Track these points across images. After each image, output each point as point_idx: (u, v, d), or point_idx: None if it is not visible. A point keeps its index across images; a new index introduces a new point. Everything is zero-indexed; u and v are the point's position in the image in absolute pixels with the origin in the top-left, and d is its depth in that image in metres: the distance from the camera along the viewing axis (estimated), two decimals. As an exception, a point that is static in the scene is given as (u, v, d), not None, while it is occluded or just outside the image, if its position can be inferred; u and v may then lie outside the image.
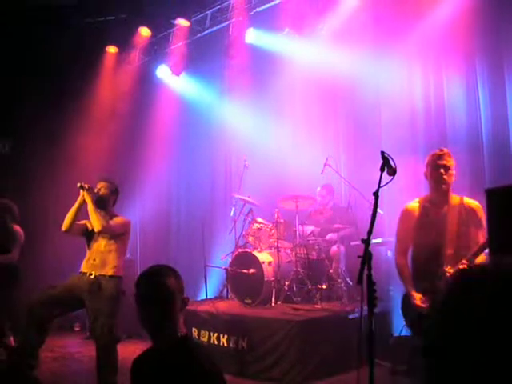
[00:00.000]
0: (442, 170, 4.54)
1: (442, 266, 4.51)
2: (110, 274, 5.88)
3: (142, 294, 2.72)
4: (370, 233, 3.51)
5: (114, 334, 5.76)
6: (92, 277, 5.85)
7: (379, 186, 3.55)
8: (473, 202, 4.69)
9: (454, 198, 4.70)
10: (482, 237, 4.46)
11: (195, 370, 2.55)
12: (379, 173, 3.64)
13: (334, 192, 8.60)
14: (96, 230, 5.87)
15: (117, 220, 6.05)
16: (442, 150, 4.67)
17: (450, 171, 4.58)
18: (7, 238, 7.59)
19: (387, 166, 3.60)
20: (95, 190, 6.04)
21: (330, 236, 8.09)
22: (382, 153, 3.59)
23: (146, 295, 2.71)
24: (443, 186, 4.60)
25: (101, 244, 5.97)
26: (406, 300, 4.66)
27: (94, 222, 5.88)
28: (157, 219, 11.30)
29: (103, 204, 6.04)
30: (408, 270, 4.71)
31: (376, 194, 3.54)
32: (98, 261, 5.91)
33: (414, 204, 4.79)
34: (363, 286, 3.37)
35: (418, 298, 4.53)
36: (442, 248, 4.56)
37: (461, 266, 4.32)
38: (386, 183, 3.57)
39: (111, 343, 5.74)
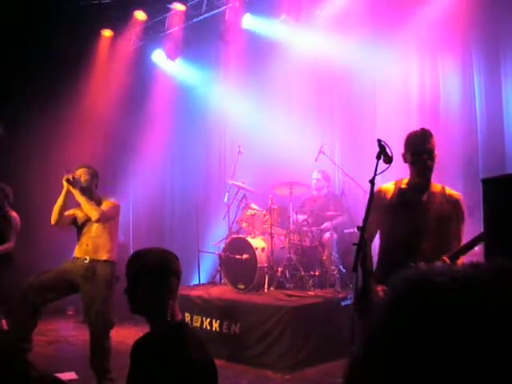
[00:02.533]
0: (425, 156, 3.95)
1: (415, 260, 3.87)
2: (104, 258, 5.87)
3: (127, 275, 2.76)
4: (365, 220, 3.51)
5: (109, 319, 5.77)
6: (86, 262, 5.84)
7: (375, 174, 3.55)
8: (455, 193, 4.17)
9: (436, 186, 4.13)
10: (462, 232, 4.03)
11: (184, 358, 2.55)
12: (374, 161, 3.61)
13: (329, 179, 8.62)
14: (94, 218, 5.83)
15: (107, 204, 6.02)
16: (423, 131, 4.05)
17: (433, 155, 3.99)
18: (5, 224, 7.58)
19: (383, 154, 3.59)
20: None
21: (325, 225, 8.10)
22: (379, 141, 3.59)
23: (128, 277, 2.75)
24: (427, 173, 4.05)
25: (93, 229, 5.95)
26: (363, 293, 3.83)
27: (90, 211, 5.85)
28: (150, 204, 11.30)
29: (89, 192, 5.99)
30: (371, 260, 4.06)
31: (372, 182, 3.55)
32: (90, 246, 5.89)
33: (389, 185, 4.19)
34: (358, 273, 3.38)
35: (380, 289, 3.87)
36: (417, 239, 4.00)
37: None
38: (382, 171, 3.57)
39: (105, 328, 5.75)
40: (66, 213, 6.06)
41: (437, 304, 0.80)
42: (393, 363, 0.80)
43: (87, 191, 5.98)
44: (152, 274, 2.69)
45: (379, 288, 3.87)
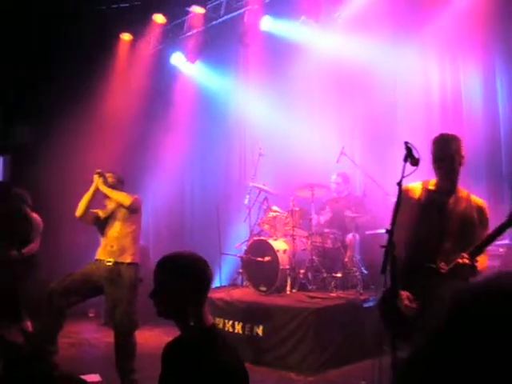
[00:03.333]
0: (443, 163, 4.00)
1: (435, 260, 3.93)
2: (128, 261, 5.91)
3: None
4: (393, 223, 3.50)
5: (133, 321, 5.81)
6: (110, 264, 5.88)
7: (402, 177, 3.53)
8: (480, 200, 4.16)
9: (462, 191, 4.15)
10: None
11: (215, 362, 2.54)
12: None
13: (349, 180, 8.61)
14: (126, 204, 5.91)
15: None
16: (442, 136, 4.08)
17: (453, 160, 4.00)
18: (27, 226, 7.66)
19: (410, 157, 3.57)
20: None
21: (349, 237, 8.06)
22: (406, 143, 3.57)
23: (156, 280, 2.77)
24: (451, 176, 4.07)
25: (116, 228, 6.01)
26: (389, 297, 3.81)
27: (122, 198, 5.96)
28: (170, 207, 11.33)
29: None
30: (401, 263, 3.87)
31: (399, 185, 3.54)
32: (115, 247, 5.94)
33: (416, 185, 4.20)
34: (386, 275, 3.37)
35: (405, 296, 3.89)
36: (439, 240, 4.01)
37: (460, 261, 3.76)
38: (409, 173, 3.56)
39: (130, 330, 5.79)
40: (91, 210, 6.14)
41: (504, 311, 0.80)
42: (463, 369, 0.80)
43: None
44: (180, 278, 2.69)
45: (404, 294, 3.90)
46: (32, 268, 7.66)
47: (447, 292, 3.78)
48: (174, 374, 2.77)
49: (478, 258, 3.77)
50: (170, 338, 2.97)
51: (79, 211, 6.04)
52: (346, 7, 8.73)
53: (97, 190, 6.07)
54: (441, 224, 4.03)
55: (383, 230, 3.60)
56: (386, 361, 3.54)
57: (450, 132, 4.21)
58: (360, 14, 8.48)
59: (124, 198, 5.95)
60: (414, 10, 7.89)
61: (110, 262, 5.89)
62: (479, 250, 3.77)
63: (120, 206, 5.99)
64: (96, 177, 6.08)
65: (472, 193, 4.19)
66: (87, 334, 8.52)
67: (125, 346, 5.76)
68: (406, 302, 3.88)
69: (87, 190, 6.10)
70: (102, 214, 6.14)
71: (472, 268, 3.73)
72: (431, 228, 4.05)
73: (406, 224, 4.01)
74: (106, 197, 6.11)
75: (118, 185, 6.20)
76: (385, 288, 3.83)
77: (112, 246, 5.95)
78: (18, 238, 7.57)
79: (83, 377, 5.23)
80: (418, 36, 7.83)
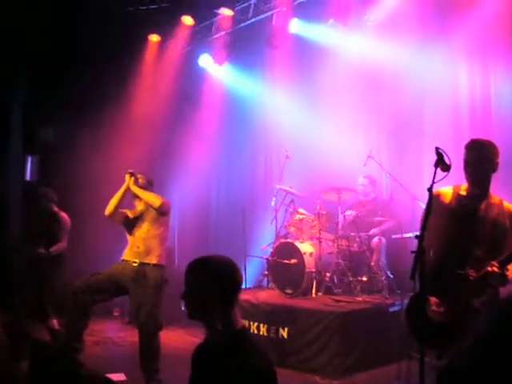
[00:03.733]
0: (470, 169, 4.02)
1: (464, 267, 3.89)
2: (154, 262, 5.94)
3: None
4: (423, 228, 3.50)
5: (158, 322, 5.85)
6: (136, 265, 5.93)
7: (433, 182, 3.53)
8: None
9: (494, 198, 4.10)
10: None
11: (244, 366, 2.55)
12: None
13: (376, 184, 8.58)
14: (156, 205, 5.96)
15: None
16: (472, 142, 4.09)
17: (481, 166, 4.01)
18: (54, 225, 7.77)
19: (441, 162, 3.56)
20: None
21: (373, 231, 8.05)
22: (437, 149, 3.56)
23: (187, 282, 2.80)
24: (480, 182, 4.06)
25: (144, 230, 6.05)
26: (417, 303, 3.91)
27: (153, 199, 6.02)
28: (196, 209, 11.37)
29: None
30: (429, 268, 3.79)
31: (430, 190, 3.53)
32: (142, 248, 5.98)
33: (448, 190, 4.18)
34: (415, 281, 3.37)
35: (433, 302, 3.91)
36: (470, 246, 3.95)
37: (490, 269, 3.75)
38: (440, 179, 3.55)
39: (154, 331, 5.84)
40: (120, 210, 6.20)
41: None
42: None
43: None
44: (210, 281, 2.71)
45: (432, 300, 3.90)
46: (59, 266, 7.77)
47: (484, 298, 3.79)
48: (202, 376, 2.79)
49: (510, 267, 3.75)
50: (194, 339, 3.00)
51: (109, 210, 6.10)
52: (375, 11, 8.70)
53: (127, 190, 6.13)
54: (471, 230, 3.99)
55: (410, 235, 3.62)
56: (414, 366, 3.52)
57: (480, 137, 4.19)
58: (389, 17, 8.44)
59: (154, 200, 5.99)
60: (442, 13, 7.83)
61: (135, 262, 5.94)
62: (510, 258, 3.74)
63: (150, 207, 6.03)
64: (127, 176, 6.15)
65: (504, 199, 4.14)
66: (112, 333, 8.57)
67: (149, 347, 5.81)
68: (434, 307, 3.89)
69: (114, 190, 6.17)
70: (130, 214, 6.20)
71: (502, 277, 3.71)
72: (462, 234, 4.01)
73: (436, 229, 3.98)
74: (136, 197, 6.17)
75: (148, 186, 6.26)
76: (413, 293, 3.84)
77: (138, 247, 6.00)
78: (46, 237, 7.68)
79: (109, 375, 5.28)
80: (446, 40, 7.77)
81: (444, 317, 3.85)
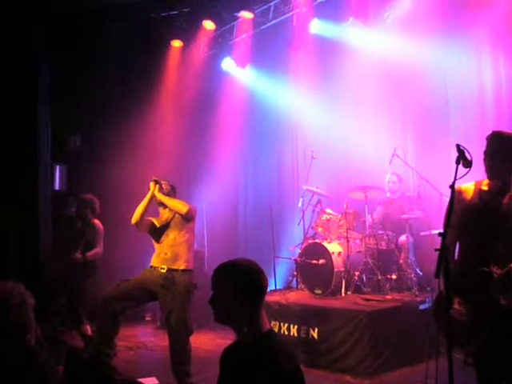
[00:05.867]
0: (487, 160, 3.92)
1: (487, 263, 3.80)
2: (182, 268, 5.96)
3: None
4: (446, 226, 3.48)
5: (188, 327, 5.89)
6: (164, 271, 5.95)
7: (455, 179, 3.49)
8: None
9: None
10: None
11: (272, 368, 2.57)
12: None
13: (402, 181, 8.55)
14: (183, 212, 5.97)
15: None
16: (492, 134, 3.99)
17: (498, 158, 3.88)
18: (91, 232, 7.90)
19: (463, 159, 3.53)
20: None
21: (403, 238, 7.99)
22: (458, 146, 3.53)
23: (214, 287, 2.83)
24: (500, 174, 3.93)
25: (171, 237, 6.07)
26: (442, 300, 3.84)
27: (179, 205, 6.03)
28: (224, 211, 11.37)
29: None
30: (453, 265, 3.78)
31: (452, 187, 3.49)
32: (169, 254, 6.01)
33: (469, 186, 4.06)
34: (440, 279, 3.35)
35: (455, 300, 3.85)
36: (493, 241, 3.83)
37: None
38: (462, 176, 3.52)
39: (185, 336, 5.88)
40: (146, 218, 6.22)
41: None
42: None
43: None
44: (236, 285, 2.74)
45: (456, 300, 3.86)
46: (93, 272, 7.88)
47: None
48: (231, 378, 2.82)
49: None
50: (225, 342, 3.02)
51: (135, 218, 6.11)
52: (394, 7, 8.66)
53: (153, 198, 6.16)
54: (494, 225, 3.88)
55: (437, 231, 3.56)
56: (444, 364, 3.50)
57: (505, 130, 4.11)
58: (409, 13, 8.39)
59: (181, 206, 6.01)
60: (463, 7, 7.75)
61: (163, 268, 5.97)
62: None
63: (176, 213, 6.07)
64: (152, 184, 6.17)
65: None
66: (144, 338, 8.66)
67: (180, 351, 5.85)
68: (456, 305, 3.85)
69: (140, 197, 6.19)
70: (156, 222, 6.21)
71: None
72: (484, 230, 3.91)
73: (458, 227, 3.94)
74: (161, 205, 6.19)
75: (172, 192, 6.30)
76: (438, 291, 3.83)
77: (166, 254, 6.03)
78: (83, 243, 7.81)
79: (141, 380, 5.35)
80: (468, 34, 7.71)
81: (466, 316, 3.81)
